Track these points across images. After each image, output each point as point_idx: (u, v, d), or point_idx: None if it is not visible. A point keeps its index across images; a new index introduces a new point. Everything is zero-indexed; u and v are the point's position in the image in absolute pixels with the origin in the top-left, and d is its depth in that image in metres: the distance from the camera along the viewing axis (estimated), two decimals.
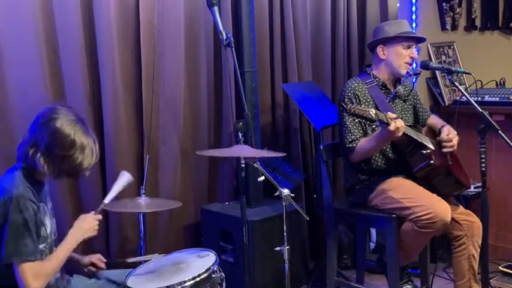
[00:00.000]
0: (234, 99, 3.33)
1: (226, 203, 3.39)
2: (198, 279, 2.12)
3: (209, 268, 2.19)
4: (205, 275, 2.15)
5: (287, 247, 2.39)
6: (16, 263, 1.91)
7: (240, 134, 2.41)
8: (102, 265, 2.33)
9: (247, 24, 3.23)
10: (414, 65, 3.06)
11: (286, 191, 2.35)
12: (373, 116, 2.44)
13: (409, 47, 2.93)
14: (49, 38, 2.81)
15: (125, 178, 2.30)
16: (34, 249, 1.94)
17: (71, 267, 2.25)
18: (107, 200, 2.23)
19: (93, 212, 2.19)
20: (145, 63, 3.07)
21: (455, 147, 2.89)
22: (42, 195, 2.05)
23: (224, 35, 2.46)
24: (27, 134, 2.02)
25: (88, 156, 2.01)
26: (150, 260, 2.40)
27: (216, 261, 2.26)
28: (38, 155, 1.96)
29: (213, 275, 2.19)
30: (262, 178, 2.43)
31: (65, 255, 2.04)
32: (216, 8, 2.52)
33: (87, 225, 2.13)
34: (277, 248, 2.41)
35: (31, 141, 1.99)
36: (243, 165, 2.38)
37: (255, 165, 2.36)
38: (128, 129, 3.07)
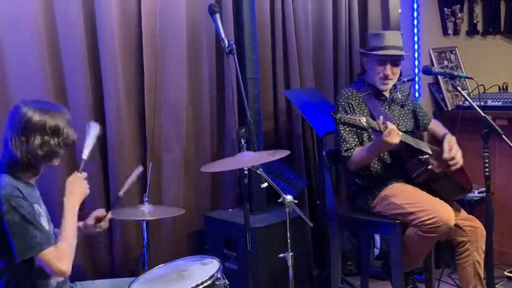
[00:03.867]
0: (237, 106, 3.32)
1: (230, 210, 3.38)
2: (201, 286, 2.12)
3: (213, 275, 2.18)
4: (209, 282, 2.14)
5: (291, 254, 2.38)
6: (35, 256, 1.92)
7: (242, 141, 2.41)
8: (105, 213, 2.32)
9: (249, 31, 3.23)
10: (416, 70, 3.05)
11: (289, 198, 2.35)
12: (364, 124, 2.45)
13: (381, 64, 2.87)
14: (51, 47, 2.82)
15: (95, 129, 2.26)
16: (45, 236, 1.94)
17: (73, 272, 2.25)
18: (85, 155, 2.21)
19: (76, 172, 2.17)
20: (147, 71, 3.08)
21: (460, 163, 2.87)
22: (34, 197, 2.04)
23: (226, 42, 2.47)
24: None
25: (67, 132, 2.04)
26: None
27: (219, 268, 2.25)
28: (15, 148, 1.97)
29: (217, 282, 2.19)
30: (265, 185, 2.43)
31: (72, 227, 2.03)
32: (217, 16, 2.53)
33: (77, 187, 2.12)
34: (281, 255, 2.40)
35: (4, 143, 2.00)
36: (246, 172, 2.38)
37: (258, 171, 2.35)
38: (131, 137, 3.07)
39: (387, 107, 2.96)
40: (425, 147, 2.86)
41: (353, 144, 2.82)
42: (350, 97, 2.90)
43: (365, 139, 2.88)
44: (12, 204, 1.91)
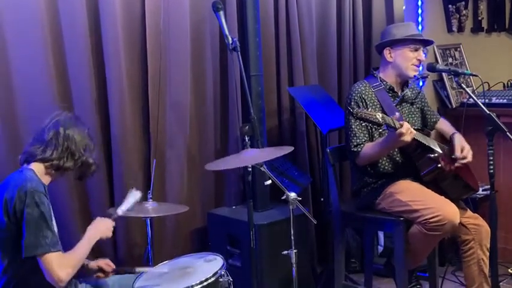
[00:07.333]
0: (240, 103, 3.33)
1: (233, 207, 3.38)
2: (205, 283, 2.12)
3: (216, 272, 2.18)
4: (212, 279, 2.15)
5: (294, 251, 2.38)
6: (39, 256, 1.95)
7: (246, 138, 2.41)
8: (110, 269, 2.33)
9: (252, 28, 3.23)
10: (421, 68, 3.04)
11: (293, 195, 2.34)
12: (380, 120, 2.44)
13: (416, 50, 2.91)
14: (56, 45, 2.83)
15: (136, 197, 2.36)
16: (54, 240, 1.98)
17: (78, 273, 2.26)
18: (120, 212, 2.31)
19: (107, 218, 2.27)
20: (151, 67, 3.08)
21: (470, 162, 2.87)
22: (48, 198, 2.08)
23: (230, 39, 2.47)
24: (35, 138, 2.11)
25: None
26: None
27: (223, 265, 2.25)
28: (55, 153, 2.07)
29: (221, 279, 2.19)
30: (269, 182, 2.42)
31: (85, 249, 2.09)
32: (221, 13, 2.52)
33: (104, 226, 2.21)
34: (285, 252, 2.40)
35: (43, 142, 2.08)
36: (250, 169, 2.38)
37: (262, 169, 2.35)
38: (135, 134, 3.08)
39: (398, 103, 2.95)
40: (435, 145, 2.85)
41: (363, 140, 2.81)
42: (363, 91, 2.89)
43: (375, 135, 2.86)
44: (35, 199, 1.95)
